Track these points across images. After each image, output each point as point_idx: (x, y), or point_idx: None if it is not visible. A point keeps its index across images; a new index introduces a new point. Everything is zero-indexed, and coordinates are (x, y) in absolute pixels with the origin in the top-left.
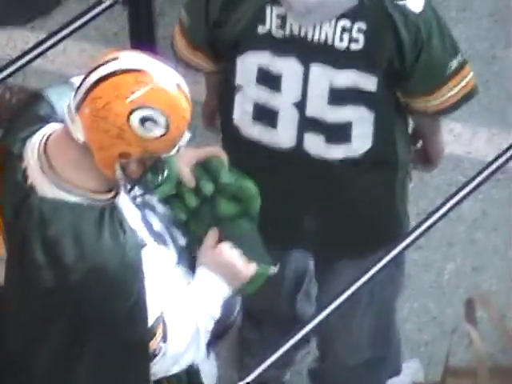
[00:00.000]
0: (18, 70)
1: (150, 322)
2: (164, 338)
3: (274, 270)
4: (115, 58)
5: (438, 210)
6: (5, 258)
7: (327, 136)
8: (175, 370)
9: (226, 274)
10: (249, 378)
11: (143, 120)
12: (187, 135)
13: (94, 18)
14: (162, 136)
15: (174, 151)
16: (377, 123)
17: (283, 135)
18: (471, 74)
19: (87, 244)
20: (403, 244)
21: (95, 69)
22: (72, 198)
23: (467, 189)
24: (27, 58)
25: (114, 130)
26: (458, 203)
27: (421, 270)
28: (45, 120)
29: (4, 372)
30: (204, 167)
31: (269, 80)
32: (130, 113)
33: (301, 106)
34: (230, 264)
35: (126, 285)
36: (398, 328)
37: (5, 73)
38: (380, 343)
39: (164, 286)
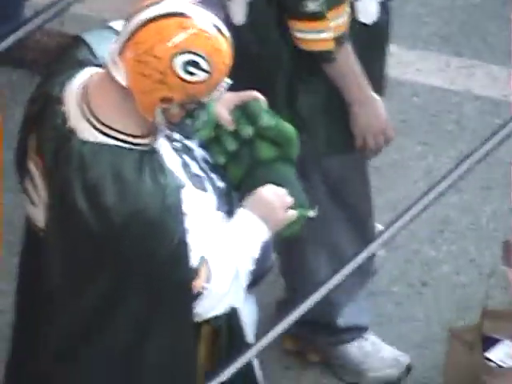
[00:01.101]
0: (56, 15)
1: (194, 262)
2: (208, 278)
3: (312, 213)
4: (157, 2)
5: (475, 152)
6: (45, 202)
7: None
8: (218, 311)
9: (265, 214)
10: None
11: (186, 64)
12: (228, 80)
13: None
14: (204, 80)
15: (214, 95)
16: None
17: None
18: (329, 31)
19: (128, 187)
20: (441, 187)
21: (137, 13)
22: (112, 142)
23: (504, 131)
24: (65, 2)
25: (156, 75)
26: (495, 147)
27: (459, 213)
28: (84, 64)
29: (46, 316)
30: (243, 110)
31: None
32: (173, 57)
33: None
34: (270, 204)
35: (168, 226)
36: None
37: (43, 17)
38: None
39: (205, 226)
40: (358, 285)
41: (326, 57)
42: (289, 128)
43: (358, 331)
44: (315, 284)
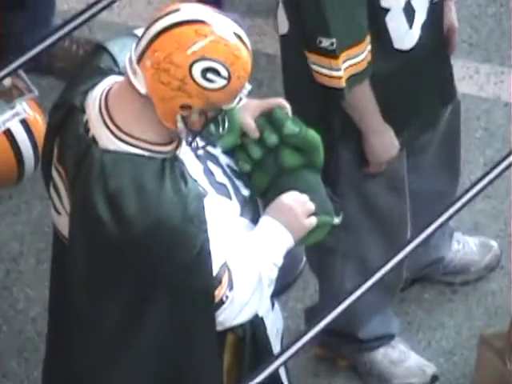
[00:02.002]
0: (83, 22)
1: (215, 270)
2: (230, 286)
3: (337, 220)
4: (176, 10)
5: (504, 159)
6: (68, 210)
7: None
8: (241, 319)
9: (288, 221)
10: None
11: (205, 71)
12: (248, 86)
13: None
14: (223, 87)
15: (234, 102)
16: None
17: None
18: (341, 70)
19: (149, 196)
20: (470, 193)
21: (156, 21)
22: (133, 150)
23: None
24: (93, 10)
25: (175, 82)
26: None
27: (488, 220)
28: (106, 73)
29: (68, 325)
30: (268, 118)
31: None
32: (192, 64)
33: None
34: (292, 210)
35: (190, 235)
36: None
37: (71, 26)
38: None
39: (227, 234)
40: (383, 299)
41: (336, 94)
42: (314, 135)
43: (382, 340)
44: (341, 294)
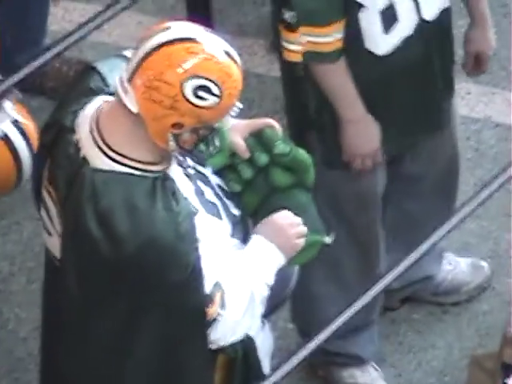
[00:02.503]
0: (74, 43)
1: (208, 289)
2: (223, 304)
3: (328, 239)
4: (166, 28)
5: (494, 180)
6: (59, 231)
7: None
8: (233, 338)
9: (279, 241)
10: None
11: (196, 89)
12: (239, 104)
13: None
14: (214, 105)
15: (226, 120)
16: None
17: None
18: (297, 44)
19: (141, 214)
20: (461, 214)
21: (147, 39)
22: (124, 170)
23: None
24: (84, 31)
25: (166, 101)
26: None
27: (478, 240)
28: (96, 93)
29: (61, 343)
30: (258, 138)
31: None
32: (183, 82)
33: None
34: (284, 230)
35: (182, 253)
36: None
37: (62, 46)
38: None
39: (219, 253)
40: (360, 318)
41: (295, 68)
42: (304, 155)
43: (350, 359)
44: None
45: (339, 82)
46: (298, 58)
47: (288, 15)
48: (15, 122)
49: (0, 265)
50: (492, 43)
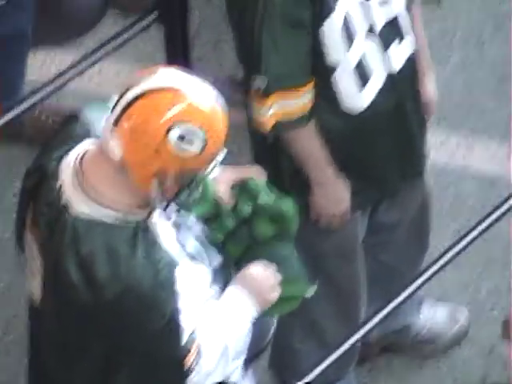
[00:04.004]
0: (53, 91)
1: (185, 337)
2: (199, 354)
3: (311, 291)
4: (152, 74)
5: (473, 229)
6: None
7: None
8: None
9: (253, 293)
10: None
11: (180, 137)
12: (224, 152)
13: (129, 39)
14: (199, 152)
15: (210, 168)
16: None
17: None
18: (266, 114)
19: (121, 261)
20: (439, 263)
21: (131, 86)
22: (106, 216)
23: (502, 209)
24: (63, 79)
25: (151, 147)
26: (492, 224)
27: (457, 289)
28: (80, 139)
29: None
30: (242, 188)
31: None
32: (168, 130)
33: None
34: (258, 282)
35: (160, 303)
36: None
37: (41, 94)
38: None
39: (198, 302)
40: (336, 371)
41: (266, 137)
42: (287, 205)
43: None
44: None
45: (308, 145)
46: (266, 128)
47: (259, 80)
48: None
49: None
50: (431, 95)
